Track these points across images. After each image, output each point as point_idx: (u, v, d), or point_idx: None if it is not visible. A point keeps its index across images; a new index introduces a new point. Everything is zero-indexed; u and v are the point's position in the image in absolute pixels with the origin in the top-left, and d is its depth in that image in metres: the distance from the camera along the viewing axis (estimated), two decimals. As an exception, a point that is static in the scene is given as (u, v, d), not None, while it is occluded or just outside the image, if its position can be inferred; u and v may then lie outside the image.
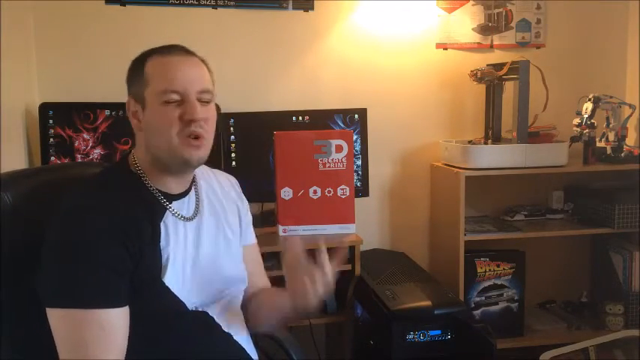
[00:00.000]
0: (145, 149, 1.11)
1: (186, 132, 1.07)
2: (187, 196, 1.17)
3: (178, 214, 1.13)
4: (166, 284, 1.06)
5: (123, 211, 1.05)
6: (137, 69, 1.11)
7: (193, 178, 1.20)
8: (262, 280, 1.37)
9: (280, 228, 2.06)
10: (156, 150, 1.09)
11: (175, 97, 1.07)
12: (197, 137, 1.08)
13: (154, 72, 1.09)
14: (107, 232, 1.01)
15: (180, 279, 1.08)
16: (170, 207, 1.12)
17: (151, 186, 1.12)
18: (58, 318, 0.98)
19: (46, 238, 1.01)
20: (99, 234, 1.00)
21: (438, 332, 1.81)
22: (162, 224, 1.09)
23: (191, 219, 1.15)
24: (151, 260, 1.06)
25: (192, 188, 1.19)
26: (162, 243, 1.08)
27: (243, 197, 1.34)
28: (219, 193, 1.26)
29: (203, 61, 1.14)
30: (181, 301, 1.08)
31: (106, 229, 1.01)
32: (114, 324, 0.99)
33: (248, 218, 1.34)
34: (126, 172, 1.13)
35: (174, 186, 1.14)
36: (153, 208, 1.10)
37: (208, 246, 1.17)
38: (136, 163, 1.13)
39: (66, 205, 1.04)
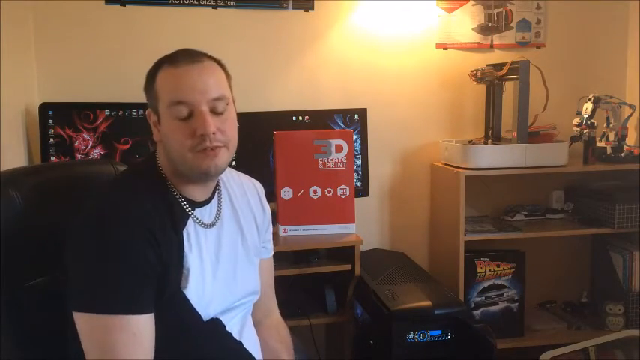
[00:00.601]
0: (166, 158, 1.09)
1: (201, 147, 1.03)
2: (210, 204, 1.14)
3: (200, 222, 1.11)
4: (187, 296, 1.04)
5: (151, 215, 1.02)
6: (150, 81, 1.08)
7: (217, 183, 1.18)
8: (269, 298, 1.36)
9: (280, 228, 2.06)
10: (174, 162, 1.07)
11: (184, 110, 1.03)
12: (213, 148, 1.04)
13: (162, 85, 1.05)
14: (138, 235, 0.98)
15: (201, 291, 1.06)
16: (193, 214, 1.10)
17: (175, 192, 1.09)
18: (87, 323, 0.96)
19: (72, 240, 0.99)
20: (130, 236, 0.98)
21: (438, 332, 1.81)
22: (184, 232, 1.07)
23: (211, 226, 1.13)
24: (175, 269, 1.03)
25: (216, 195, 1.17)
26: (185, 252, 1.06)
27: (266, 207, 1.30)
28: (240, 200, 1.23)
29: (219, 62, 1.10)
30: (198, 314, 1.06)
31: (138, 231, 0.98)
32: (143, 330, 0.98)
33: (268, 231, 1.31)
34: (152, 176, 1.10)
35: (198, 193, 1.12)
36: (176, 215, 1.07)
37: (228, 255, 1.15)
38: (160, 168, 1.11)
39: (92, 206, 1.02)
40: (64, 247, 1.00)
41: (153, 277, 1.00)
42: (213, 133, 1.03)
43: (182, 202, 1.09)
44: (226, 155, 1.08)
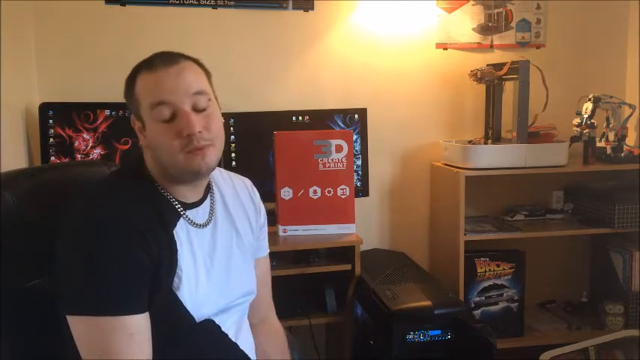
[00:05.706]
0: (154, 162, 1.09)
1: (189, 147, 1.02)
2: (202, 205, 1.14)
3: (192, 222, 1.10)
4: (178, 297, 1.03)
5: (139, 214, 1.01)
6: (130, 88, 1.07)
7: (209, 184, 1.17)
8: (266, 299, 1.35)
9: (280, 228, 2.06)
10: (165, 165, 1.06)
11: (165, 110, 1.02)
12: (201, 147, 1.04)
13: (141, 90, 1.04)
14: (127, 235, 0.98)
15: (194, 291, 1.06)
16: (185, 214, 1.09)
17: (166, 193, 1.08)
18: (82, 325, 0.95)
19: (61, 243, 0.99)
20: (119, 236, 0.97)
21: (438, 332, 1.81)
22: (175, 232, 1.06)
23: (205, 226, 1.12)
24: (167, 269, 1.03)
25: (208, 195, 1.16)
26: (178, 252, 1.05)
27: (259, 204, 1.28)
28: (233, 199, 1.22)
29: (196, 61, 1.09)
30: (191, 315, 1.05)
31: (126, 231, 0.98)
32: (140, 330, 0.97)
33: (263, 228, 1.30)
34: (140, 177, 1.09)
35: (189, 194, 1.11)
36: (165, 215, 1.06)
37: (222, 255, 1.14)
38: (148, 170, 1.10)
39: (80, 208, 1.02)
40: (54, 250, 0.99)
41: (145, 276, 0.99)
42: (199, 132, 1.03)
43: (174, 202, 1.08)
44: (215, 153, 1.07)
